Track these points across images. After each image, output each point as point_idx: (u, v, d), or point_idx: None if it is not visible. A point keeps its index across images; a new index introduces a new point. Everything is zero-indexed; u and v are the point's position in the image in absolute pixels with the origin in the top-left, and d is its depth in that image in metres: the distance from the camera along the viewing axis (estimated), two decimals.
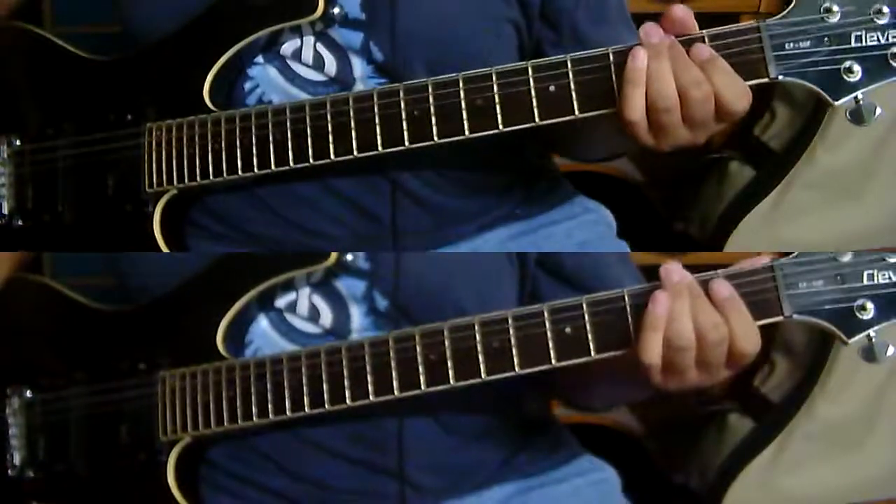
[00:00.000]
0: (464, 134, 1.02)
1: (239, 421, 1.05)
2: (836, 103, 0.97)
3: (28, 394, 1.14)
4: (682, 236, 1.89)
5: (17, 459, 1.13)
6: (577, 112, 1.00)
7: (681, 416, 1.90)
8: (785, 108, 1.82)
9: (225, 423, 1.05)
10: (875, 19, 0.96)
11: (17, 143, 1.15)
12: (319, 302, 1.10)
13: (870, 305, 0.95)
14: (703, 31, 0.98)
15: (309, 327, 1.10)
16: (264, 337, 1.10)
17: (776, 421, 1.82)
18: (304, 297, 1.10)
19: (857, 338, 0.96)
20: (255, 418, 1.05)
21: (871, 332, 0.96)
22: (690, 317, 0.95)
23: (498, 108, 1.01)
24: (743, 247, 1.78)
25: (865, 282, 0.96)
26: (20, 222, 1.15)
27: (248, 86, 1.11)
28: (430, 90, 1.02)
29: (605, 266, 1.13)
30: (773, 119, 1.83)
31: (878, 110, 0.97)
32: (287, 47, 1.10)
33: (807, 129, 1.77)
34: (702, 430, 1.91)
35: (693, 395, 1.88)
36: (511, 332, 1.00)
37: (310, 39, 1.10)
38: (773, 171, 1.80)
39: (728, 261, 1.78)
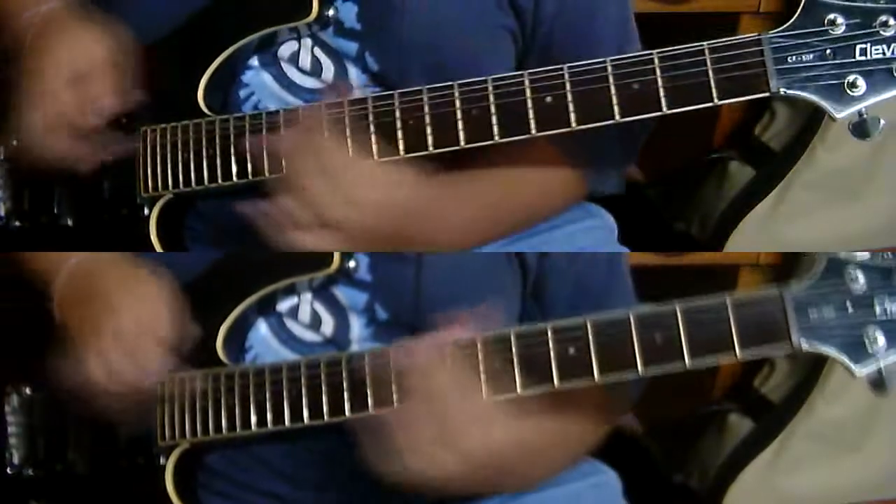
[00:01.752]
0: (459, 144, 1.01)
1: (237, 430, 1.05)
2: (839, 117, 0.95)
3: (28, 392, 1.14)
4: (682, 236, 1.88)
5: (16, 458, 1.13)
6: (574, 124, 0.98)
7: (681, 416, 1.90)
8: (785, 109, 1.81)
9: (223, 432, 1.05)
10: (880, 31, 0.94)
11: (14, 142, 1.14)
12: (321, 310, 1.09)
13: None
14: (704, 42, 0.96)
15: (309, 335, 1.09)
16: (263, 343, 1.10)
17: (776, 421, 1.82)
18: (307, 303, 1.09)
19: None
20: (253, 427, 1.04)
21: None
22: None
23: (494, 118, 1.00)
24: (743, 247, 1.78)
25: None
26: (17, 224, 1.15)
27: (243, 93, 1.10)
28: (424, 99, 1.01)
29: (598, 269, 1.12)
30: (773, 119, 1.82)
31: (882, 123, 0.95)
32: (284, 50, 1.10)
33: (807, 128, 1.76)
34: (702, 430, 1.90)
35: (693, 396, 1.88)
36: (514, 350, 0.97)
37: (307, 42, 1.09)
38: (773, 171, 1.79)
39: (728, 261, 1.78)
